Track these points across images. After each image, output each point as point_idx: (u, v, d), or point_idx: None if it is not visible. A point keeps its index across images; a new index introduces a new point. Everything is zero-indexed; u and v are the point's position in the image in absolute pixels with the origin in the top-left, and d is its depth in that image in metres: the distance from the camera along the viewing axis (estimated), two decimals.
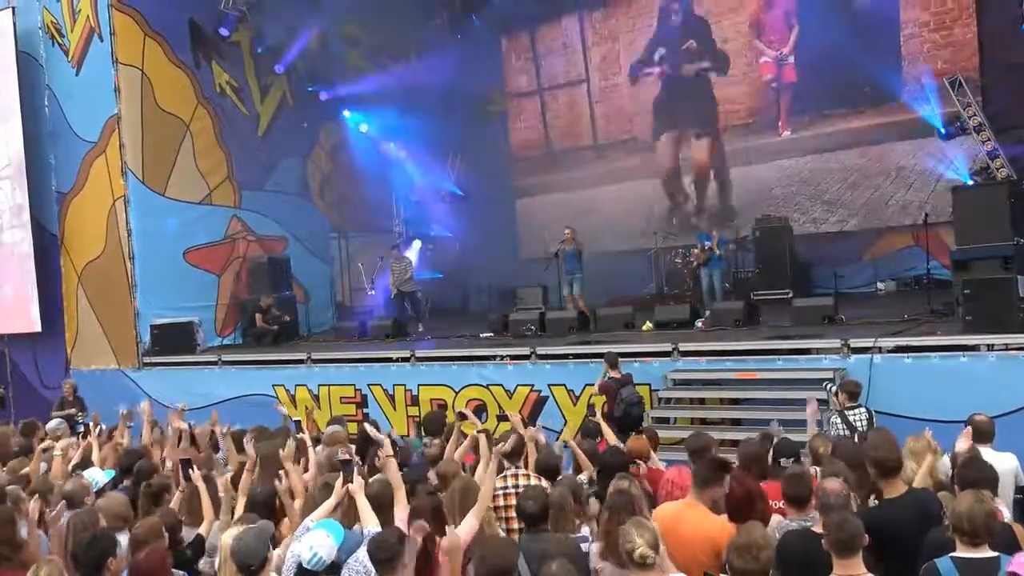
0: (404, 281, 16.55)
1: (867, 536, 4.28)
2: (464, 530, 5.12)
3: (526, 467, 6.52)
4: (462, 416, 7.91)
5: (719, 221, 17.11)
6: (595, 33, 19.46)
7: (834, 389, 9.04)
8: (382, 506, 5.31)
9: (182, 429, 8.42)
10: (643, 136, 18.93)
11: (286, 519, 5.88)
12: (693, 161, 18.35)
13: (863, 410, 8.54)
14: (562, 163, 19.77)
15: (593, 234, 16.38)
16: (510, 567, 4.43)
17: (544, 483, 6.06)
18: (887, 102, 15.95)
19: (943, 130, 15.32)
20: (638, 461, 6.60)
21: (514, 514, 5.73)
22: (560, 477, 6.39)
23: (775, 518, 5.30)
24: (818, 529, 4.82)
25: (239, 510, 5.78)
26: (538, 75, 20.23)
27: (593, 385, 10.84)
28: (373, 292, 18.20)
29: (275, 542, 5.20)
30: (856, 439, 7.21)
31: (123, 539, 5.16)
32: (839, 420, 8.42)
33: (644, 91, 18.85)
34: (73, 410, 13.25)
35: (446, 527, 5.12)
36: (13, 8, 16.60)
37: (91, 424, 9.83)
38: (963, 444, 5.90)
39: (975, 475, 5.05)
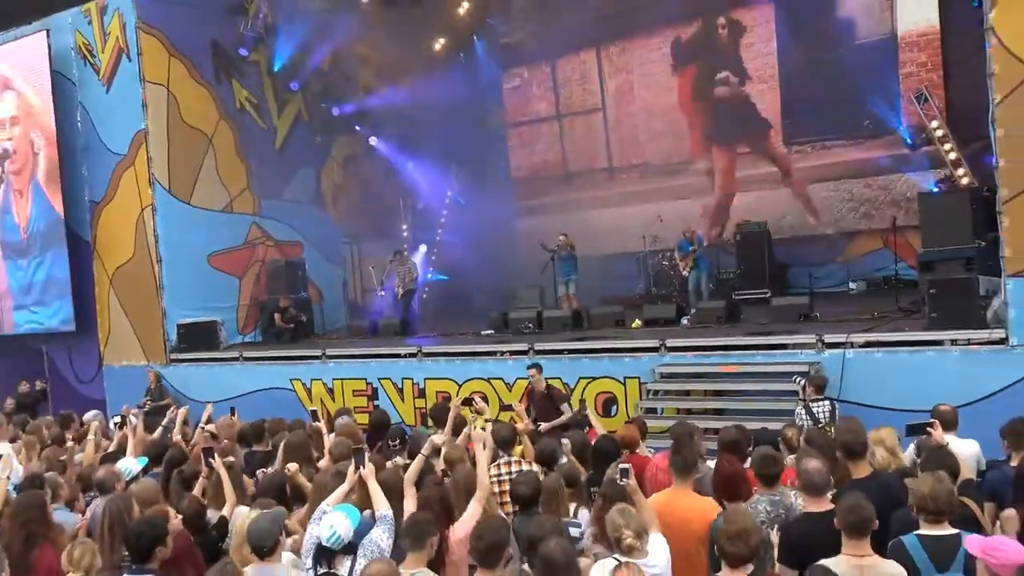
0: (410, 281, 16.55)
1: (877, 521, 4.26)
2: (468, 517, 5.15)
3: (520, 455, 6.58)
4: (467, 402, 7.91)
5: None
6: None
7: (802, 382, 9.10)
8: (390, 491, 5.34)
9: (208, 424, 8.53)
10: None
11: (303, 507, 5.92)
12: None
13: (827, 403, 8.68)
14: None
15: (586, 238, 16.46)
16: (503, 543, 4.48)
17: (537, 468, 6.09)
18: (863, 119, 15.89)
19: (910, 140, 15.35)
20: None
21: (508, 498, 5.76)
22: (558, 464, 6.41)
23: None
24: (811, 509, 4.84)
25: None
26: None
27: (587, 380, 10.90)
28: (383, 293, 18.22)
29: (286, 527, 5.23)
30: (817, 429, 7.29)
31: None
32: (804, 411, 8.49)
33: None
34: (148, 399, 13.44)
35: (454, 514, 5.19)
36: (48, 30, 16.63)
37: (125, 416, 9.88)
38: (938, 436, 5.88)
39: (938, 464, 5.06)
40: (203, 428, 8.54)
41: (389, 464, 6.45)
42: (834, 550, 4.25)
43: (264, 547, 4.64)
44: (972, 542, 4.06)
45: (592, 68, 19.24)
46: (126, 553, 4.80)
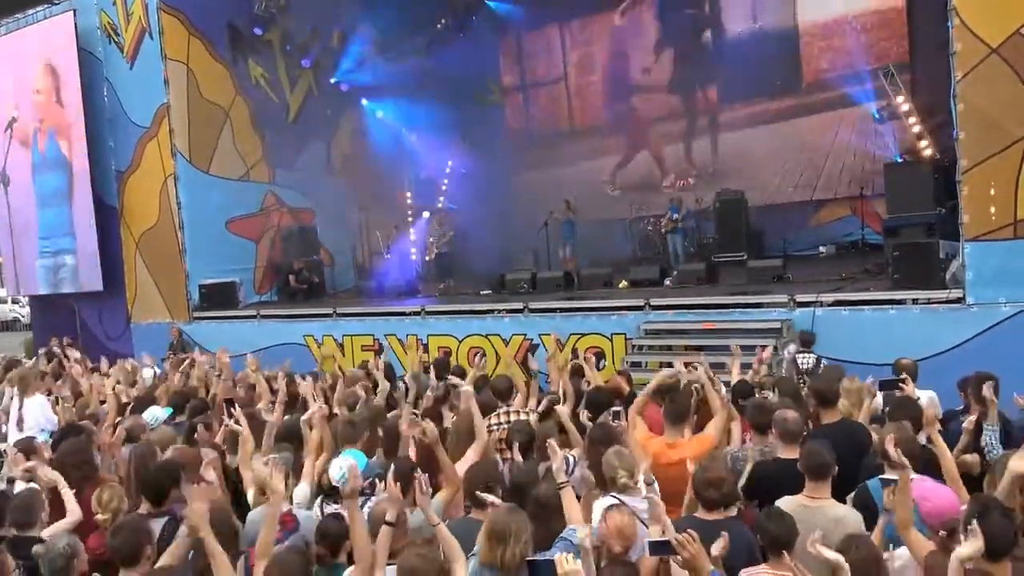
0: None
1: (836, 467, 4.25)
2: (466, 464, 5.12)
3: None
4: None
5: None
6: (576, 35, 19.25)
7: (789, 346, 9.14)
8: (391, 436, 5.38)
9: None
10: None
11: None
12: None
13: (812, 356, 8.70)
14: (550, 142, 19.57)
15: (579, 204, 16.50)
16: (493, 483, 4.47)
17: (534, 418, 6.06)
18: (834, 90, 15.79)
19: (877, 115, 15.20)
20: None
21: (505, 445, 5.74)
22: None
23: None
24: (782, 454, 4.82)
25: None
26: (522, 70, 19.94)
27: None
28: (389, 256, 18.13)
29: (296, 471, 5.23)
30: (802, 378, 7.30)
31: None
32: (790, 362, 8.56)
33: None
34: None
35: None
36: (74, 11, 16.38)
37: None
38: (909, 390, 5.80)
39: (903, 413, 5.04)
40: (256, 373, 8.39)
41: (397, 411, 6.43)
42: (792, 495, 4.26)
43: None
44: (915, 486, 4.02)
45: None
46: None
